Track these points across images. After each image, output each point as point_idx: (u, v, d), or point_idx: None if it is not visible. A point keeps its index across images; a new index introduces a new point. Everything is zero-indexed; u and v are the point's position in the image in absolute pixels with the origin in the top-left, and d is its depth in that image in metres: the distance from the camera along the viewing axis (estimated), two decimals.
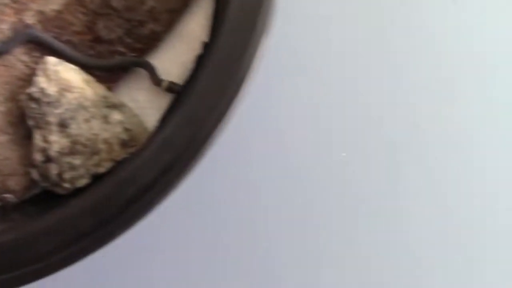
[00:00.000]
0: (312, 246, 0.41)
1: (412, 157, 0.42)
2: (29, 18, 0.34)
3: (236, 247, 0.41)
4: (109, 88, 0.34)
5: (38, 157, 0.33)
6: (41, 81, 0.33)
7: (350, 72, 0.42)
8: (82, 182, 0.33)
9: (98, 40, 0.35)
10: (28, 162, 0.33)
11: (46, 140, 0.33)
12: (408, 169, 0.42)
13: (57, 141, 0.32)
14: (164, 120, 0.32)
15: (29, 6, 0.34)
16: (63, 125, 0.33)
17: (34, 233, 0.27)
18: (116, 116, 0.33)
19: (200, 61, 0.29)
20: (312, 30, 0.42)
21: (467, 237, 0.42)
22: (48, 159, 0.33)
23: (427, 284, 0.42)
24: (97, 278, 0.40)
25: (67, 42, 0.34)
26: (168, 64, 0.35)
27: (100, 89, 0.34)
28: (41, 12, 0.34)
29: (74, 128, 0.32)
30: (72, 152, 0.32)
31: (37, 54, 0.34)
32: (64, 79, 0.33)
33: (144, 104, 0.35)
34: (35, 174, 0.33)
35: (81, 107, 0.33)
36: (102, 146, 0.33)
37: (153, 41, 0.35)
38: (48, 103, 0.32)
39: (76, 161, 0.32)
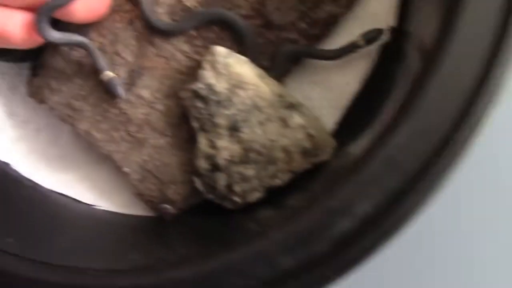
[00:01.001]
0: None
1: None
2: (188, 0, 0.29)
3: None
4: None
5: (203, 164, 0.28)
6: (208, 75, 0.28)
7: None
8: (255, 196, 0.28)
9: (268, 25, 0.29)
10: (190, 169, 0.29)
11: (213, 146, 0.28)
12: None
13: (226, 147, 0.28)
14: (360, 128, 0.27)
15: None
16: (234, 129, 0.27)
17: (216, 270, 0.22)
18: (296, 119, 0.28)
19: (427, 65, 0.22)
20: None
21: None
22: (215, 168, 0.28)
23: None
24: None
25: None
26: None
27: (275, 85, 0.28)
28: None
29: (246, 133, 0.27)
30: (244, 160, 0.27)
31: (198, 43, 0.29)
32: (236, 74, 0.28)
33: (319, 103, 0.30)
34: (199, 184, 0.28)
35: (256, 107, 0.27)
36: (279, 154, 0.27)
37: (330, 26, 0.30)
38: (218, 102, 0.27)
39: (249, 171, 0.27)
